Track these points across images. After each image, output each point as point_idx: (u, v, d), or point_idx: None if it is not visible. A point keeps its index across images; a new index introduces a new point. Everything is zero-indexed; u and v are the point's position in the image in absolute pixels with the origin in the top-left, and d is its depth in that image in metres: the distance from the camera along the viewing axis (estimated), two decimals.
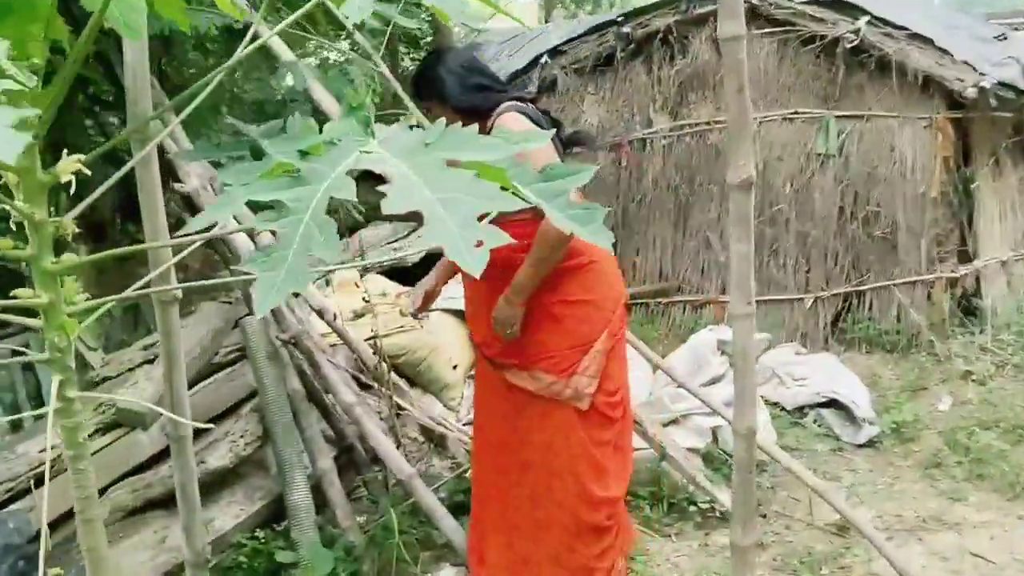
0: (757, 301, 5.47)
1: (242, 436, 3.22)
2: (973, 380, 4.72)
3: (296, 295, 3.88)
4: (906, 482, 3.81)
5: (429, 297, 2.96)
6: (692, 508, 3.43)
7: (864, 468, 3.97)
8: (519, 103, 2.57)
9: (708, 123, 5.60)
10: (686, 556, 3.22)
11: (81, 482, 1.42)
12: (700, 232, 5.72)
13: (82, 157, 1.26)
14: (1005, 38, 5.75)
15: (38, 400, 4.16)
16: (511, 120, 2.46)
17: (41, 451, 3.08)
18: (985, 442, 3.98)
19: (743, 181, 2.07)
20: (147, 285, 1.75)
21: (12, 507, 2.80)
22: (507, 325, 2.55)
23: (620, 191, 6.02)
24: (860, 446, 4.16)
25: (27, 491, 2.89)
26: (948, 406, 4.51)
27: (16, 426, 3.85)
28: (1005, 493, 3.60)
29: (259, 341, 3.33)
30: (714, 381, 4.17)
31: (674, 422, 3.84)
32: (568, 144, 2.80)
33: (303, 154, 1.06)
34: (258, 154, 1.28)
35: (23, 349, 4.09)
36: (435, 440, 3.71)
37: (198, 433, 3.32)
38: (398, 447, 3.56)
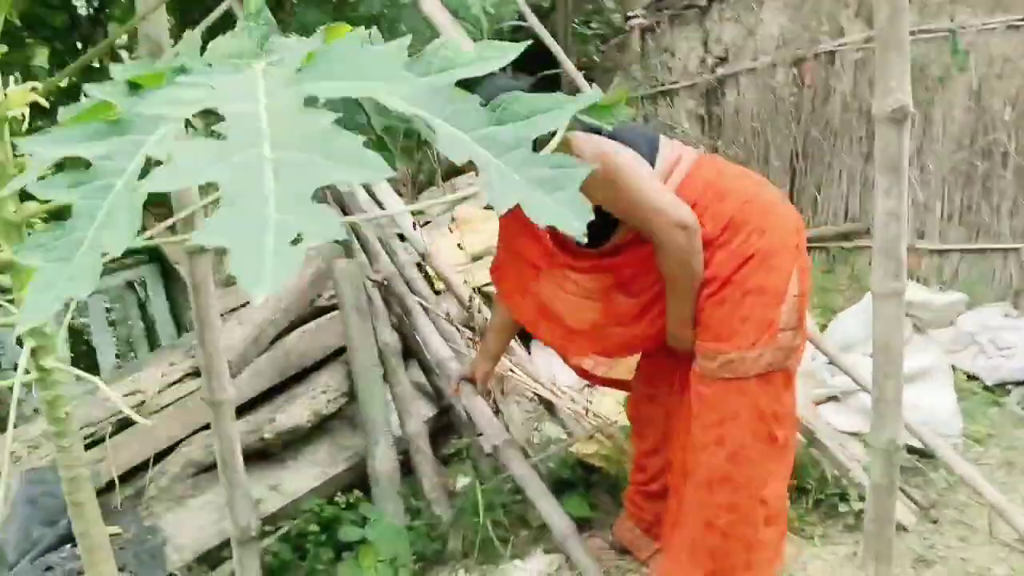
0: (963, 250, 4.69)
1: (324, 392, 3.00)
2: None
3: (401, 238, 3.62)
4: None
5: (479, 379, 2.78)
6: (843, 507, 2.89)
7: None
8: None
9: (912, 32, 4.72)
10: (829, 565, 2.71)
11: (67, 461, 1.26)
12: None
13: (37, 85, 1.03)
14: None
15: (152, 335, 4.18)
16: (577, 143, 2.01)
17: (125, 396, 3.02)
18: None
19: (894, 111, 1.51)
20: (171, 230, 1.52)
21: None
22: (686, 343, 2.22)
23: (801, 115, 5.27)
24: None
25: (103, 439, 2.82)
26: None
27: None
28: None
29: (350, 287, 3.08)
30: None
31: (833, 399, 3.28)
32: None
33: (133, 87, 0.79)
34: None
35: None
36: (547, 404, 3.35)
37: (281, 386, 3.16)
38: (496, 411, 3.24)
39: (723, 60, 5.55)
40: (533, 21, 3.36)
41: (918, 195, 4.78)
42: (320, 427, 3.07)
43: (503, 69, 0.85)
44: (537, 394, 3.30)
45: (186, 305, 4.18)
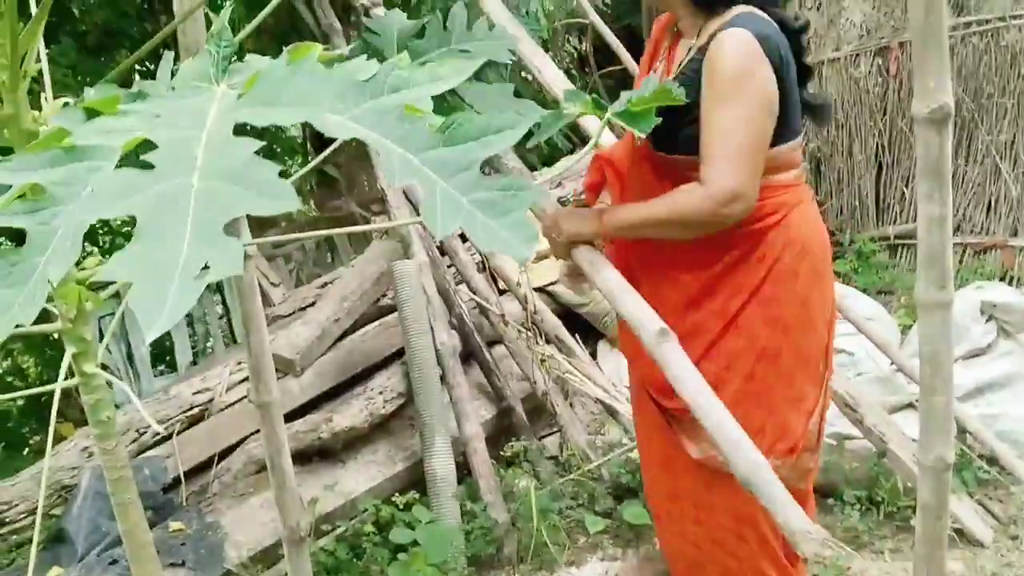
0: None
1: (381, 393, 3.05)
2: None
3: (463, 238, 3.64)
4: None
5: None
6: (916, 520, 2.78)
7: None
8: (761, 12, 1.69)
9: (1003, 18, 4.48)
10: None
11: (111, 463, 1.30)
12: (988, 158, 4.66)
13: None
14: None
15: (232, 332, 4.33)
16: (732, 44, 1.63)
17: (195, 393, 3.14)
18: None
19: (933, 111, 1.44)
20: None
21: (150, 453, 2.86)
22: (554, 245, 1.72)
23: (887, 106, 5.07)
24: None
25: (169, 436, 2.95)
26: None
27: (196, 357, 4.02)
28: None
29: (408, 287, 3.12)
30: (975, 355, 3.36)
31: (909, 406, 3.15)
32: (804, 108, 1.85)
33: (90, 113, 0.80)
34: None
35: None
36: (611, 410, 3.32)
37: (345, 385, 3.23)
38: (554, 415, 3.24)
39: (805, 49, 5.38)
40: (595, 19, 3.34)
41: (1011, 190, 4.54)
42: (380, 427, 3.13)
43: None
44: (599, 400, 3.28)
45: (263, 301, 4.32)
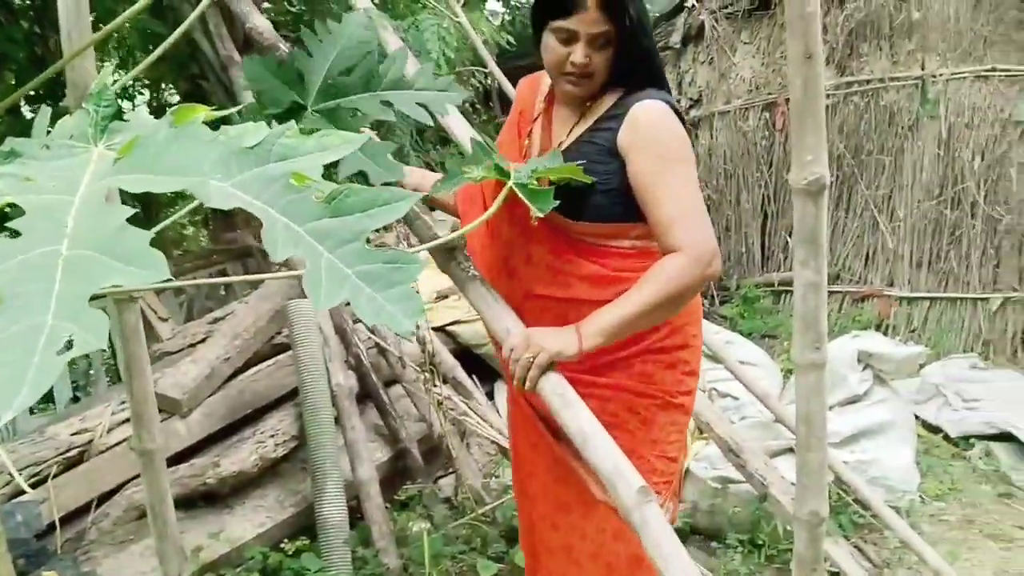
0: (931, 298, 4.70)
1: (272, 436, 2.98)
2: None
3: None
4: None
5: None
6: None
7: None
8: (668, 96, 1.71)
9: (882, 80, 4.78)
10: None
11: None
12: (866, 211, 4.94)
13: None
14: None
15: (116, 366, 4.16)
16: (661, 113, 1.61)
17: (73, 434, 3.00)
18: None
19: (810, 184, 1.52)
20: None
21: (24, 497, 2.71)
22: (525, 367, 1.49)
23: (773, 158, 5.32)
24: None
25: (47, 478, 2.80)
26: None
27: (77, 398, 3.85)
28: None
29: (304, 328, 3.08)
30: (851, 402, 3.53)
31: (790, 450, 3.26)
32: None
33: None
34: None
35: None
36: (504, 450, 3.34)
37: (224, 431, 3.15)
38: (450, 458, 3.23)
39: (697, 102, 5.60)
40: (493, 67, 3.39)
41: (887, 242, 4.81)
42: (270, 469, 3.05)
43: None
44: (495, 441, 3.28)
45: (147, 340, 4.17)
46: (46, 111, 1.01)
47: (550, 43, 1.63)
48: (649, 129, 1.59)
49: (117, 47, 4.95)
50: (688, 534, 3.09)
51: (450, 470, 3.34)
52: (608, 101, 1.66)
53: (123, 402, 3.11)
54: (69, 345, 0.57)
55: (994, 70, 4.47)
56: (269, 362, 3.42)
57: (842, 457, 3.15)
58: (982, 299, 4.59)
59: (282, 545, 2.83)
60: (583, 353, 1.51)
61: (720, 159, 5.39)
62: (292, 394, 3.28)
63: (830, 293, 5.01)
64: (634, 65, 1.65)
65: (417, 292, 0.76)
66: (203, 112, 0.93)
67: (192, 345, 3.58)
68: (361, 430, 3.08)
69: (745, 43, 5.37)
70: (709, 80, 5.42)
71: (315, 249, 0.72)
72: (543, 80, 1.80)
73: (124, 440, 2.95)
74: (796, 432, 1.70)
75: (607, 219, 1.64)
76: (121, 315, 1.86)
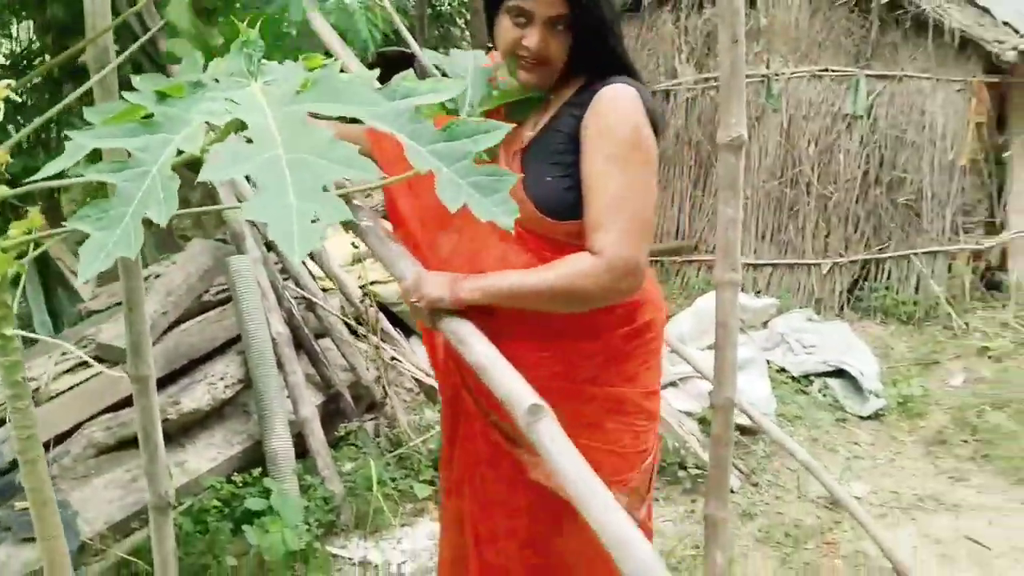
0: (773, 265, 5.35)
1: (222, 379, 3.16)
2: (989, 357, 4.56)
3: None
4: (907, 459, 3.69)
5: None
6: (682, 473, 3.35)
7: (866, 441, 3.85)
8: (637, 82, 1.55)
9: None
10: (670, 522, 3.14)
11: (22, 422, 1.38)
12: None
13: (11, 83, 1.18)
14: None
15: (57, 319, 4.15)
16: (624, 103, 1.46)
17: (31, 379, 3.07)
18: (995, 422, 3.85)
19: (733, 140, 1.93)
20: None
21: None
22: (417, 310, 1.45)
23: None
24: (864, 418, 4.04)
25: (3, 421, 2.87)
26: (960, 382, 4.36)
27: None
28: (1010, 477, 3.47)
29: (245, 282, 3.26)
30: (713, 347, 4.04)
31: (672, 385, 3.74)
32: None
33: (161, 96, 0.94)
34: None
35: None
36: (428, 392, 3.64)
37: (177, 374, 3.29)
38: (385, 396, 3.51)
39: None
40: (415, 48, 3.66)
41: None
42: (216, 414, 3.22)
43: None
44: (418, 380, 3.58)
45: (67, 300, 4.17)
46: (196, 56, 1.20)
47: (504, 24, 1.49)
48: (606, 119, 1.45)
49: None
50: None
51: (379, 411, 3.60)
52: (572, 87, 1.53)
53: (64, 353, 3.19)
54: (316, 222, 0.76)
55: (827, 70, 5.14)
56: (195, 319, 3.56)
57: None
58: (815, 264, 5.28)
59: (233, 478, 3.02)
60: (460, 303, 1.40)
61: None
62: (225, 345, 3.45)
63: (691, 261, 5.59)
64: (597, 54, 1.51)
65: (511, 203, 0.92)
66: (322, 60, 1.16)
67: (119, 303, 3.66)
68: (301, 375, 3.29)
69: None
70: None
71: (438, 165, 0.90)
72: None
73: (72, 387, 3.05)
74: (716, 336, 2.12)
75: (581, 216, 1.48)
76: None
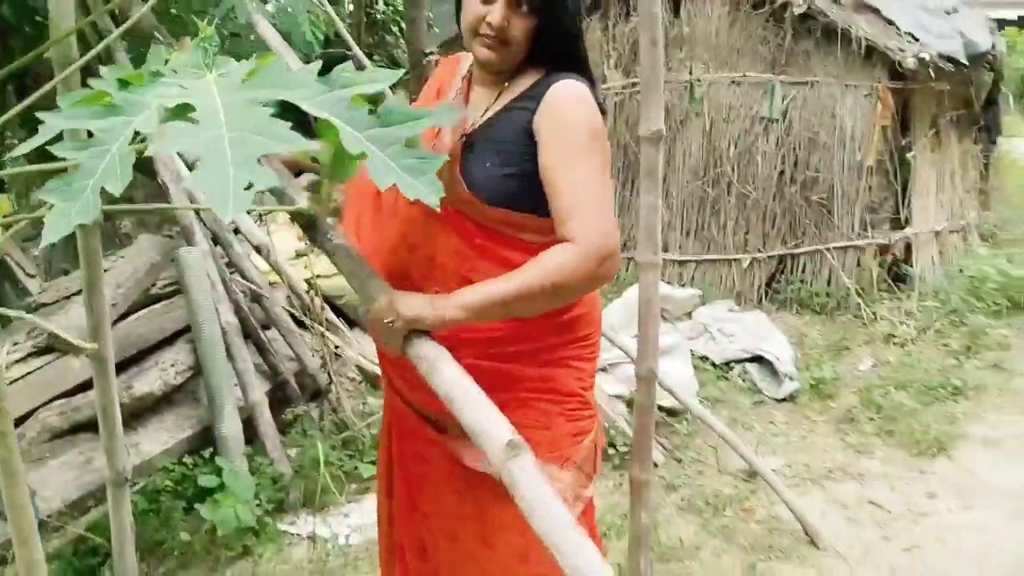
0: (697, 261, 5.61)
1: (173, 365, 3.25)
2: (895, 343, 4.90)
3: (237, 232, 3.90)
4: (819, 435, 3.96)
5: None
6: (611, 450, 3.55)
7: (781, 421, 4.12)
8: (589, 81, 1.57)
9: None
10: (600, 495, 3.34)
11: None
12: None
13: None
14: (955, 12, 5.84)
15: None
16: (578, 97, 1.49)
17: None
18: (898, 401, 4.15)
19: (652, 134, 2.14)
20: None
21: None
22: (388, 332, 1.38)
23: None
24: (780, 400, 4.31)
25: None
26: (868, 366, 4.67)
27: None
28: (910, 449, 3.76)
29: (195, 274, 3.35)
30: None
31: (602, 370, 3.94)
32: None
33: (123, 84, 1.02)
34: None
35: None
36: (371, 379, 3.77)
37: (129, 360, 3.37)
38: (330, 383, 3.63)
39: None
40: (356, 50, 3.80)
41: (663, 216, 5.67)
42: (166, 399, 3.30)
43: None
44: (361, 369, 3.71)
45: (15, 295, 4.18)
46: (158, 49, 1.31)
47: (470, 1, 1.51)
48: (562, 112, 1.47)
49: None
50: None
51: (324, 397, 3.72)
52: (527, 80, 1.55)
53: (16, 343, 3.25)
54: (250, 186, 0.86)
55: (745, 76, 5.43)
56: (143, 311, 3.63)
57: None
58: (735, 259, 5.56)
59: (184, 460, 3.11)
60: (443, 324, 1.38)
61: None
62: (174, 336, 3.53)
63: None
64: (557, 44, 1.53)
65: (438, 183, 1.03)
66: (274, 57, 1.29)
67: (67, 297, 3.71)
68: (249, 362, 3.40)
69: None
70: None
71: (372, 149, 1.00)
72: (465, 60, 1.70)
73: (26, 375, 3.11)
74: (639, 314, 2.33)
75: (519, 206, 1.52)
76: (85, 238, 2.18)
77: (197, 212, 3.59)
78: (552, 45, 1.53)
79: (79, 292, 3.72)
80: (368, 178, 1.53)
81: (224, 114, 0.95)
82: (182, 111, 0.99)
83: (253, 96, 1.00)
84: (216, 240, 3.74)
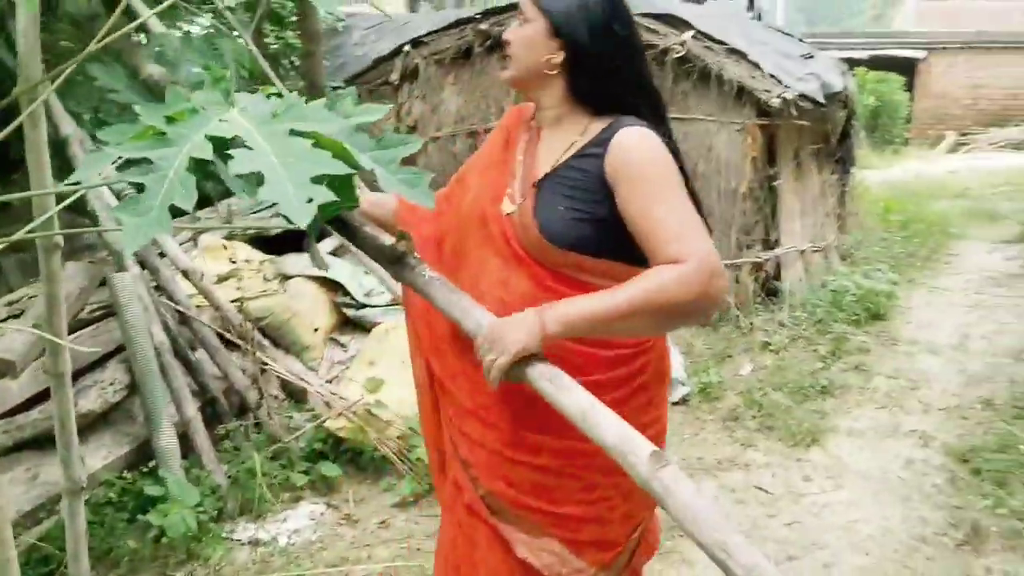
0: None
1: (111, 384, 3.33)
2: (770, 350, 5.37)
3: (162, 255, 4.00)
4: (708, 432, 4.35)
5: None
6: None
7: (676, 421, 4.48)
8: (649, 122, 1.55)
9: None
10: None
11: None
12: None
13: None
14: (811, 56, 6.49)
15: None
16: (645, 140, 1.49)
17: None
18: (775, 400, 4.59)
19: None
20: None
21: None
22: (499, 352, 1.36)
23: None
24: (674, 403, 4.68)
25: None
26: (748, 371, 5.12)
27: None
28: (787, 441, 4.18)
29: (127, 296, 3.45)
30: None
31: None
32: None
33: (169, 119, 1.16)
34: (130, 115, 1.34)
35: None
36: (295, 395, 3.93)
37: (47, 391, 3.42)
38: (261, 398, 3.77)
39: (413, 129, 6.48)
40: (282, 89, 3.99)
41: None
42: (102, 419, 3.38)
43: None
44: (284, 385, 3.86)
45: None
46: (179, 90, 1.50)
47: None
48: (634, 154, 1.47)
49: None
50: None
51: (254, 414, 3.84)
52: (597, 127, 1.55)
53: None
54: (310, 200, 1.02)
55: None
56: (74, 335, 3.69)
57: None
58: None
59: (124, 475, 3.20)
60: (549, 339, 1.37)
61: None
62: (104, 358, 3.60)
63: None
64: (594, 83, 1.55)
65: (431, 190, 1.24)
66: (278, 90, 1.50)
67: (3, 320, 3.72)
68: (183, 380, 3.52)
69: (451, 84, 6.37)
70: (423, 111, 6.34)
71: (375, 166, 1.21)
72: (529, 109, 1.71)
73: None
74: None
75: (589, 250, 1.51)
76: (47, 259, 2.33)
77: None
78: (590, 87, 1.55)
79: (6, 319, 3.75)
80: (429, 230, 1.77)
81: (268, 143, 1.10)
82: (224, 142, 1.12)
83: (285, 127, 1.15)
84: (143, 265, 3.84)
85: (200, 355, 3.85)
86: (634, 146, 1.48)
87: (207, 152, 1.10)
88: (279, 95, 1.38)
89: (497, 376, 1.36)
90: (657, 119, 1.57)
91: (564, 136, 1.58)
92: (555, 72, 1.54)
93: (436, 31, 6.38)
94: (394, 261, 1.52)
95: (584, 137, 1.55)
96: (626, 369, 1.57)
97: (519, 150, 1.65)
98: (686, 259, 1.36)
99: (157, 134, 1.12)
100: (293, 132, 1.15)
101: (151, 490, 2.99)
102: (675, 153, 1.53)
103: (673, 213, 1.42)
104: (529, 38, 1.54)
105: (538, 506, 1.57)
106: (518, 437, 1.53)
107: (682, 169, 1.53)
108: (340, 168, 1.10)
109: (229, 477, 3.38)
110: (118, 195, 3.77)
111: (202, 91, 1.30)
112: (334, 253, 5.01)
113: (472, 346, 1.43)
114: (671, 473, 1.03)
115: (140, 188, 1.05)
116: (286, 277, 4.49)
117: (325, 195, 1.04)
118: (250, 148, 1.10)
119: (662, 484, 1.03)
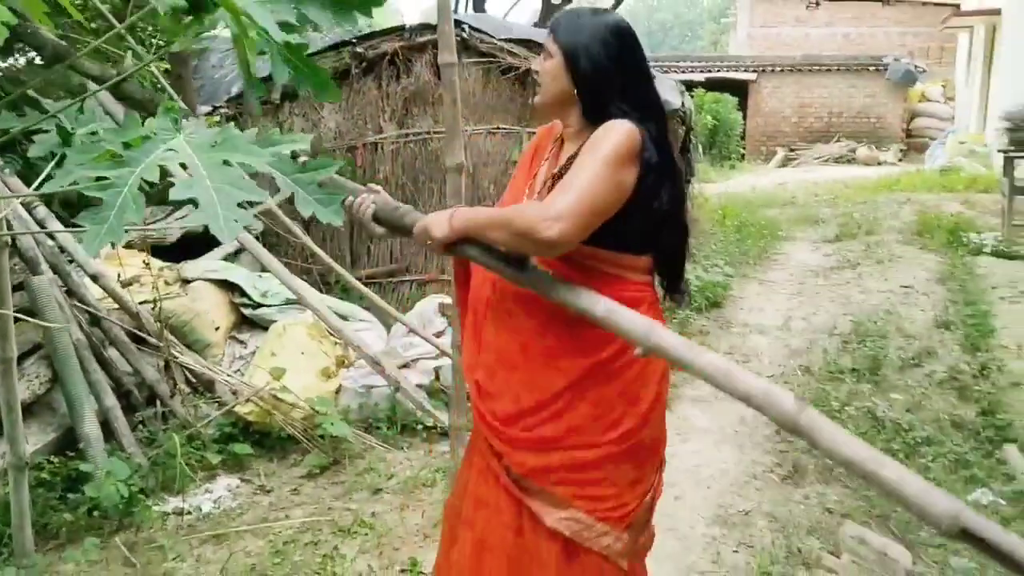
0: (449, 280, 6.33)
1: (36, 377, 3.56)
2: None
3: (71, 261, 4.22)
4: None
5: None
6: (419, 427, 4.27)
7: None
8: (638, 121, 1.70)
9: (428, 132, 6.50)
10: (411, 461, 4.04)
11: None
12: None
13: None
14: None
15: None
16: (617, 126, 1.65)
17: None
18: None
19: (456, 165, 2.95)
20: None
21: None
22: (427, 240, 1.69)
23: None
24: None
25: None
26: None
27: None
28: None
29: (45, 297, 3.67)
30: (438, 335, 5.05)
31: (406, 366, 4.66)
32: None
33: (126, 145, 1.32)
34: (64, 136, 1.63)
35: None
36: (202, 387, 4.22)
37: None
38: (175, 387, 4.05)
39: None
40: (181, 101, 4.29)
41: None
42: (26, 410, 3.58)
43: None
44: (191, 377, 4.15)
45: None
46: (136, 116, 1.43)
47: None
48: (600, 132, 1.66)
49: None
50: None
51: (160, 405, 4.10)
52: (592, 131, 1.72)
53: None
54: (237, 221, 1.19)
55: (498, 128, 6.45)
56: None
57: (436, 365, 4.62)
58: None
59: (52, 459, 3.43)
60: (454, 232, 1.63)
61: None
62: (22, 358, 3.80)
63: (403, 281, 6.57)
64: (593, 97, 1.73)
65: (341, 209, 1.44)
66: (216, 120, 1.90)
67: None
68: (100, 372, 3.77)
69: (329, 103, 6.74)
70: (304, 128, 6.67)
71: (295, 188, 1.39)
72: (558, 127, 1.90)
73: None
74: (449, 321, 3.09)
75: (602, 242, 1.69)
76: None
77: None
78: (590, 100, 1.74)
79: None
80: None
81: (205, 170, 1.25)
82: (170, 167, 1.29)
83: (221, 157, 1.30)
84: (55, 270, 4.05)
85: (112, 352, 4.09)
86: (607, 127, 1.65)
87: (155, 175, 1.26)
88: (218, 123, 1.78)
89: (437, 250, 1.69)
90: (657, 130, 1.74)
91: (579, 143, 1.76)
92: (573, 98, 1.76)
93: (313, 54, 6.72)
94: (517, 268, 1.64)
95: (582, 139, 1.75)
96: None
97: (545, 158, 1.90)
98: (546, 204, 1.57)
99: (115, 156, 1.27)
100: (226, 162, 1.30)
101: (84, 467, 3.25)
102: (667, 155, 1.74)
103: (582, 181, 1.58)
104: (551, 71, 1.77)
105: (564, 479, 1.75)
106: (549, 425, 1.75)
107: (678, 169, 1.80)
108: (261, 195, 1.27)
109: (149, 459, 3.66)
110: (28, 208, 3.97)
111: (155, 118, 1.44)
112: (229, 258, 5.30)
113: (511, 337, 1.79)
114: (811, 414, 1.19)
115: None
116: (186, 281, 4.76)
117: (247, 219, 1.23)
118: (190, 176, 1.25)
119: (809, 421, 1.18)
